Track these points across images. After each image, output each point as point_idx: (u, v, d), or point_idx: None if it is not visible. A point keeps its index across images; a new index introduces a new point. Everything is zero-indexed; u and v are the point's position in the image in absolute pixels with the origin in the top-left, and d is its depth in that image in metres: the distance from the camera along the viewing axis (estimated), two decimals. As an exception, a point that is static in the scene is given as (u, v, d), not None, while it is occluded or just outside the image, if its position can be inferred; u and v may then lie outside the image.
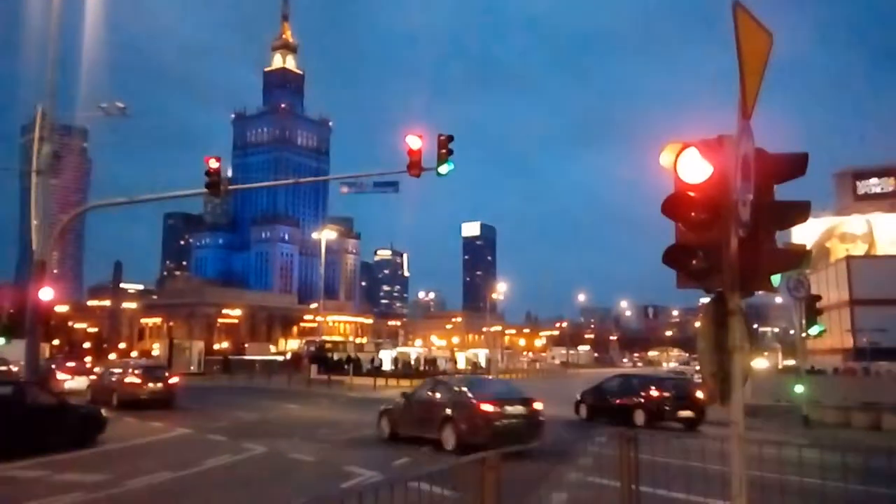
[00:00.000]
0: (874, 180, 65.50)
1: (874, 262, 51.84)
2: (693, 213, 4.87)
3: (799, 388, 21.96)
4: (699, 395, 19.94)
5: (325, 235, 64.23)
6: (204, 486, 11.52)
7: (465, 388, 15.99)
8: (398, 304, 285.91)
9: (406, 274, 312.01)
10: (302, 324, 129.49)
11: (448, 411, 15.32)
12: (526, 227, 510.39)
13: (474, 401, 15.08)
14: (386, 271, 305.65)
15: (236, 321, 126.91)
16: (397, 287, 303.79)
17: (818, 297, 23.13)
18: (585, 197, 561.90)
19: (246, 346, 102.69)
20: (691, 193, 4.86)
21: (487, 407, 14.81)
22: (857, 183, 65.93)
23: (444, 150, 20.40)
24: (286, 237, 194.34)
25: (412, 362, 67.93)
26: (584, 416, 23.14)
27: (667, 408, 20.93)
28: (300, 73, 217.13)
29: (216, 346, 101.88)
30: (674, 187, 4.99)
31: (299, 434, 18.03)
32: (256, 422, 21.90)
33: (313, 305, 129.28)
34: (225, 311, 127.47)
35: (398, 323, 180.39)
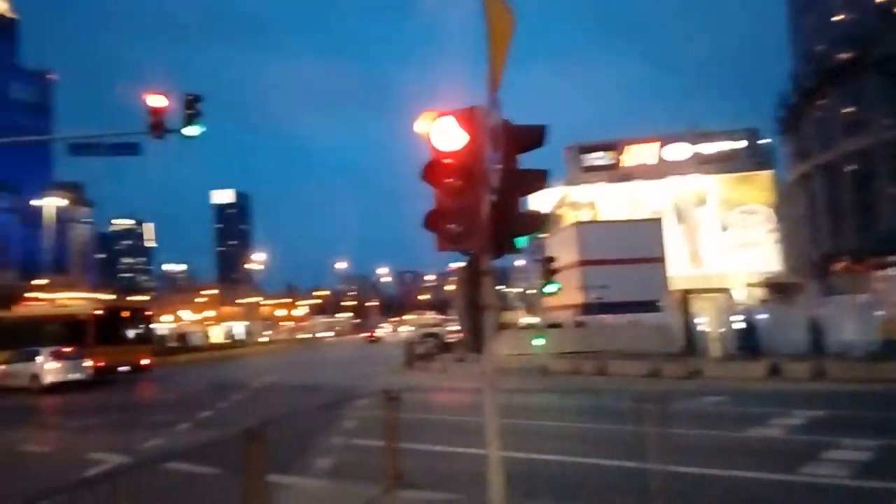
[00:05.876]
0: (598, 154, 74.13)
1: (598, 227, 58.72)
2: (449, 180, 5.14)
3: (538, 342, 24.33)
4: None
5: (50, 203, 57.32)
6: None
7: None
8: (144, 278, 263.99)
9: (149, 245, 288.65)
10: (25, 302, 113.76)
11: None
12: (284, 194, 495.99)
13: None
14: (126, 242, 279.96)
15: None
16: (140, 259, 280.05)
17: (553, 259, 25.71)
18: (345, 163, 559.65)
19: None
20: (448, 161, 5.12)
21: None
22: (583, 156, 74.15)
23: (191, 111, 19.13)
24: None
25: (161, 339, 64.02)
26: None
27: None
28: (13, 17, 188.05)
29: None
30: (431, 155, 5.21)
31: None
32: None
33: (42, 281, 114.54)
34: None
35: (146, 298, 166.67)
